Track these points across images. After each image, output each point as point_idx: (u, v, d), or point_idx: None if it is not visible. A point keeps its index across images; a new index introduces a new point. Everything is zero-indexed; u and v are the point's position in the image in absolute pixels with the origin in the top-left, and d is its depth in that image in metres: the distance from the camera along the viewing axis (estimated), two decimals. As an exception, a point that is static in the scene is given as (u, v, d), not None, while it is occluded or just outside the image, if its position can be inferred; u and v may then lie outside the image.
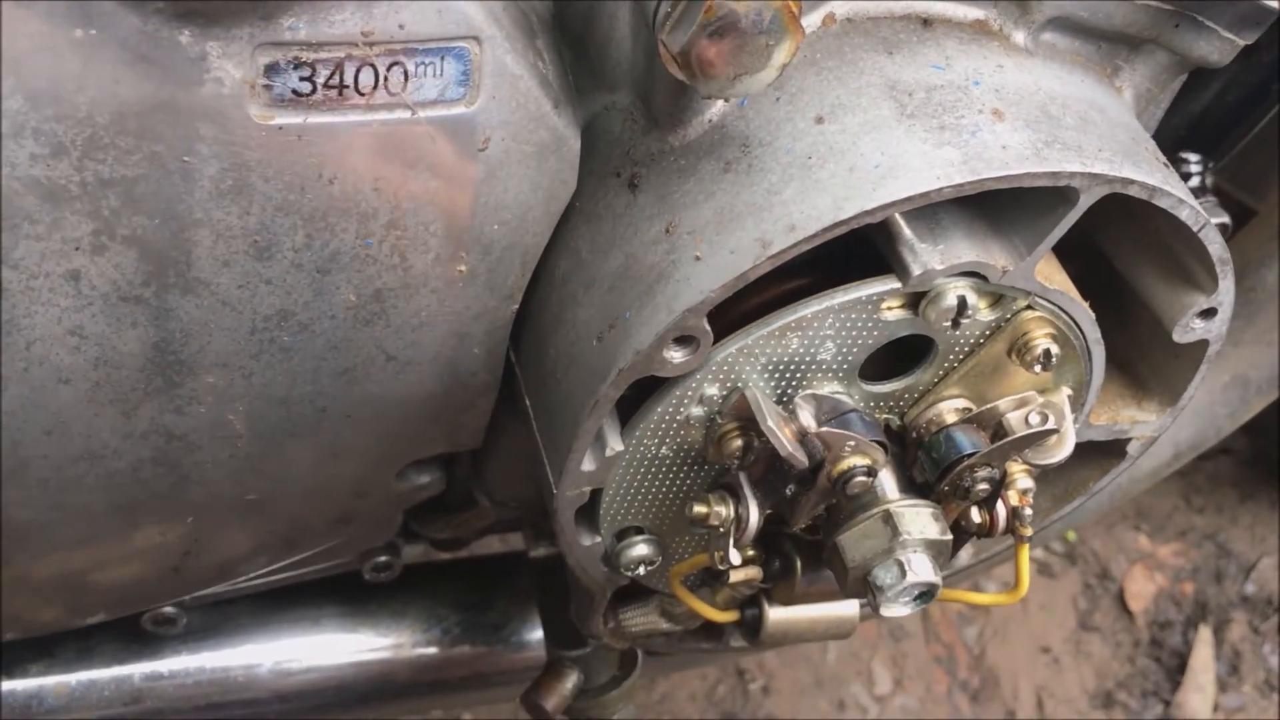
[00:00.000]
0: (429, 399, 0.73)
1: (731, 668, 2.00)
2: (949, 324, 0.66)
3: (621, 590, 0.84)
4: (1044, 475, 0.87)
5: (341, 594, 1.06)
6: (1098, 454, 0.84)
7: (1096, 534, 2.29)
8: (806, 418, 0.66)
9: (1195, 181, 1.03)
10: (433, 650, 1.07)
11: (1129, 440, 0.81)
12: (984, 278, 0.65)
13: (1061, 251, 0.82)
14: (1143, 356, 0.81)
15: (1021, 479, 0.77)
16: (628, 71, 0.67)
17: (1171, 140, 1.02)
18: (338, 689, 1.05)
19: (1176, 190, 0.65)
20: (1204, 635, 2.12)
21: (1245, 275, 1.10)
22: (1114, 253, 0.78)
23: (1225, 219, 1.01)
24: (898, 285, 0.64)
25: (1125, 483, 1.17)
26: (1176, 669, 2.09)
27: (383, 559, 0.97)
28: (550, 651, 0.96)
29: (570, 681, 0.94)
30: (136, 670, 0.99)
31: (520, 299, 0.70)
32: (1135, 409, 0.80)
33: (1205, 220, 0.67)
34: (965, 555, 0.87)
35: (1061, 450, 0.71)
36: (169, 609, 0.94)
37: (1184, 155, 1.04)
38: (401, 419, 0.73)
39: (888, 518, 0.69)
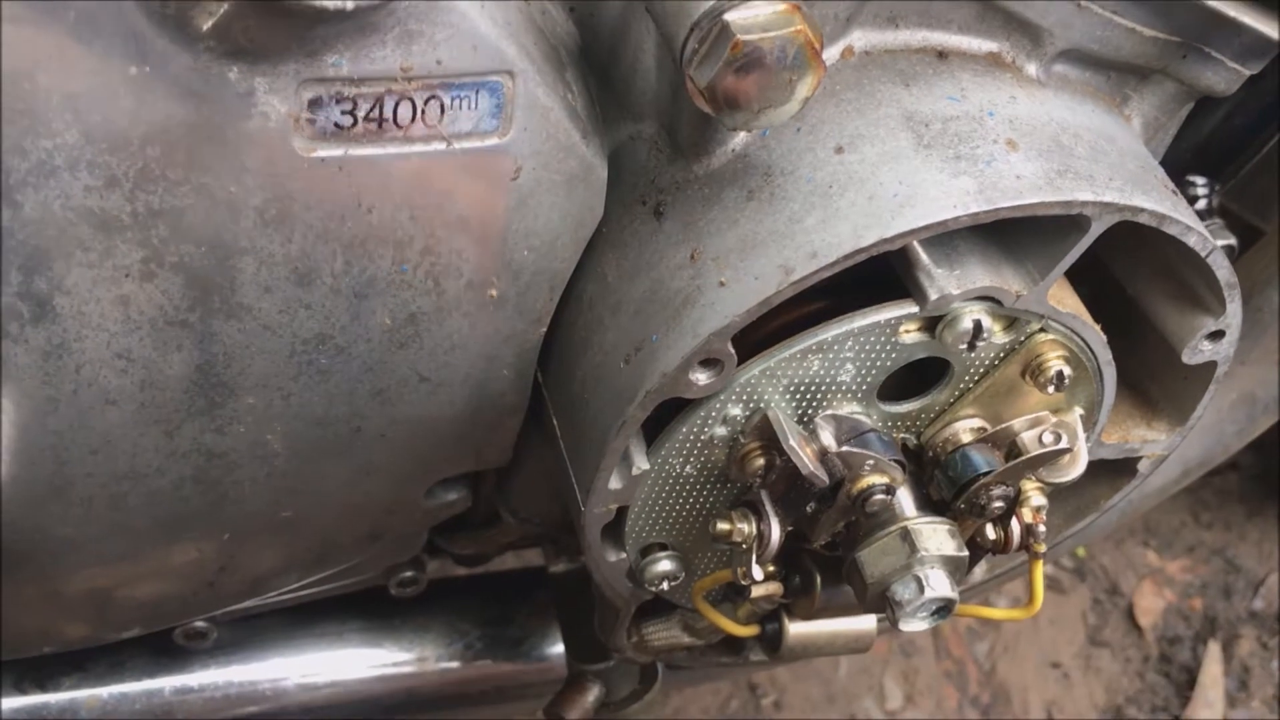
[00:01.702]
0: (459, 419, 0.75)
1: (743, 682, 2.01)
2: (965, 347, 0.68)
3: (644, 605, 0.86)
4: (1056, 493, 0.89)
5: (365, 609, 1.09)
6: (1109, 472, 0.86)
7: (1106, 550, 2.30)
8: (827, 438, 0.68)
9: (1202, 204, 1.05)
10: (455, 664, 1.09)
11: (1139, 459, 0.83)
12: (999, 302, 0.67)
13: (1073, 275, 0.84)
14: (1153, 377, 0.83)
15: (1035, 496, 0.79)
16: (653, 102, 0.69)
17: (1179, 164, 1.04)
18: (361, 703, 1.07)
19: (1184, 217, 0.67)
20: (1213, 651, 2.13)
21: (1251, 296, 1.12)
22: (1124, 277, 0.80)
23: (1232, 241, 1.04)
24: (915, 309, 0.66)
25: (1135, 499, 1.19)
26: (1186, 684, 2.10)
27: (408, 574, 0.99)
28: (571, 665, 0.98)
29: (592, 694, 0.96)
30: (167, 684, 1.01)
31: (548, 323, 0.72)
32: (1145, 428, 0.82)
33: (1213, 245, 0.69)
34: (979, 572, 0.89)
35: (1074, 469, 0.73)
36: (200, 623, 0.96)
37: (1191, 178, 1.06)
38: (432, 438, 0.75)
39: (906, 534, 0.70)
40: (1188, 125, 1.06)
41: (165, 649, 1.00)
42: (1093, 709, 2.08)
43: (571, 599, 1.04)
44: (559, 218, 0.68)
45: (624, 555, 0.76)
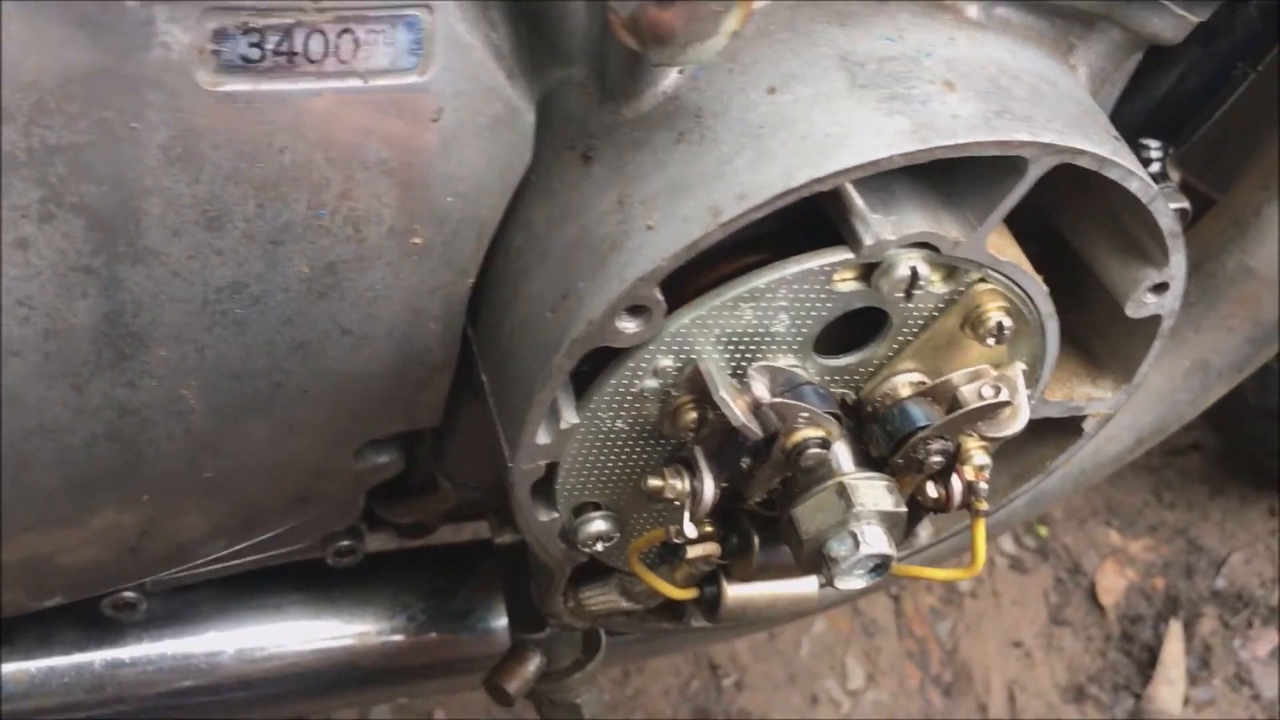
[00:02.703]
0: (385, 375, 0.72)
1: (705, 663, 2.00)
2: (901, 295, 0.66)
3: (582, 570, 0.84)
4: (1003, 454, 0.87)
5: (306, 581, 1.06)
6: (1055, 432, 0.84)
7: (1068, 530, 2.30)
8: (760, 390, 0.66)
9: (1156, 167, 1.04)
10: (397, 637, 1.07)
11: (1085, 418, 0.82)
12: (936, 249, 0.66)
13: (1019, 232, 0.83)
14: (1099, 334, 0.82)
15: (978, 455, 0.77)
16: (583, 44, 0.67)
17: (1133, 126, 1.03)
18: (301, 676, 1.05)
19: (1126, 162, 0.65)
20: (1174, 630, 2.14)
21: (1205, 261, 1.11)
22: (1069, 230, 0.78)
23: (1185, 204, 1.02)
24: (850, 256, 0.64)
25: (1089, 469, 1.18)
26: (1147, 663, 2.10)
27: (345, 544, 0.97)
28: (513, 635, 0.96)
29: (533, 664, 0.93)
30: (97, 657, 0.98)
31: (476, 273, 0.70)
32: (1091, 386, 0.81)
33: (1155, 192, 0.67)
34: (925, 534, 0.88)
35: (1015, 423, 0.71)
36: (129, 594, 0.93)
37: (1145, 141, 1.04)
38: (358, 395, 0.73)
39: (842, 490, 0.69)
40: (1141, 87, 1.04)
41: (96, 621, 0.97)
42: (1054, 687, 2.08)
43: (517, 571, 1.02)
44: (484, 162, 0.65)
45: (556, 515, 0.74)
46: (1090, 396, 0.80)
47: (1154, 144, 1.04)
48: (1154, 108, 1.05)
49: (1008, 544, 2.27)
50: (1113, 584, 2.24)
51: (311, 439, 0.75)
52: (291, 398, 0.71)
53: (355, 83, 0.60)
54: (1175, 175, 1.07)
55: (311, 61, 0.58)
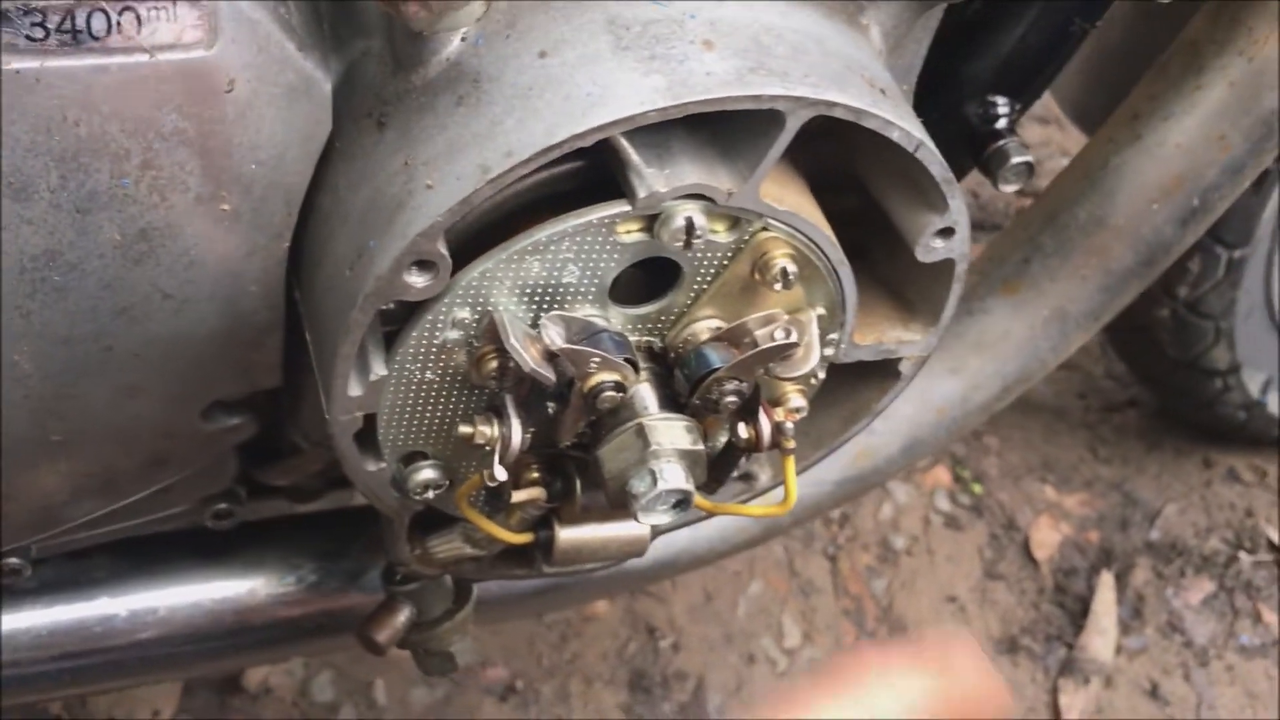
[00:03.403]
0: (214, 337, 0.76)
1: (642, 625, 2.05)
2: (681, 244, 0.70)
3: (429, 519, 0.88)
4: (832, 399, 0.92)
5: (199, 546, 1.10)
6: (876, 375, 0.88)
7: (1003, 486, 2.35)
8: (553, 337, 0.71)
9: (1004, 122, 1.08)
10: (288, 597, 1.11)
11: (900, 360, 0.86)
12: (712, 200, 0.70)
13: (838, 186, 0.87)
14: (909, 281, 0.86)
15: (794, 398, 0.81)
16: (378, 17, 0.71)
17: (981, 85, 1.07)
18: (194, 637, 1.09)
19: (886, 113, 0.69)
20: (1106, 580, 2.18)
21: (1059, 213, 1.15)
22: (870, 183, 0.82)
23: (1028, 158, 1.06)
24: (627, 208, 0.68)
25: (959, 417, 1.22)
26: (1080, 614, 2.15)
27: (222, 506, 1.01)
28: (385, 588, 1.00)
29: (403, 615, 0.98)
30: (-11, 622, 1.02)
31: (290, 237, 0.74)
32: (902, 330, 0.85)
33: (918, 141, 0.71)
34: (765, 477, 0.92)
35: (806, 364, 0.75)
36: (13, 560, 0.97)
37: (992, 99, 1.09)
38: (190, 357, 0.77)
39: (640, 430, 0.73)
40: (987, 46, 1.08)
41: (-13, 588, 1.01)
42: (988, 640, 2.12)
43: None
44: (284, 130, 0.69)
45: (384, 465, 0.78)
46: (901, 340, 0.84)
47: (1001, 100, 1.08)
48: (1000, 65, 1.08)
49: (943, 502, 2.32)
50: (1047, 538, 2.28)
51: (152, 400, 0.79)
52: (124, 361, 0.75)
53: (141, 58, 0.64)
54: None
55: (96, 39, 0.62)
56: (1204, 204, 1.09)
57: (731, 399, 0.74)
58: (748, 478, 0.91)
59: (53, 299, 0.70)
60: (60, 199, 0.66)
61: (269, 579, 1.11)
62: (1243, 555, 2.25)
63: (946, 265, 0.80)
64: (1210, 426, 2.22)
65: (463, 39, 0.68)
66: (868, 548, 2.24)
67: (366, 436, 0.77)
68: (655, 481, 0.72)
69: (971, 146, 1.04)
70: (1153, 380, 2.21)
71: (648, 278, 0.76)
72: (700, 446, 0.74)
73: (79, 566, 1.06)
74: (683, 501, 0.74)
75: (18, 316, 0.71)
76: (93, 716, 1.68)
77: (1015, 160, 1.05)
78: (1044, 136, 2.84)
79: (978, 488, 2.35)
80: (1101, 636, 2.14)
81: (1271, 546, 2.27)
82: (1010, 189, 1.05)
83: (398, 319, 0.73)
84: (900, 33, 0.82)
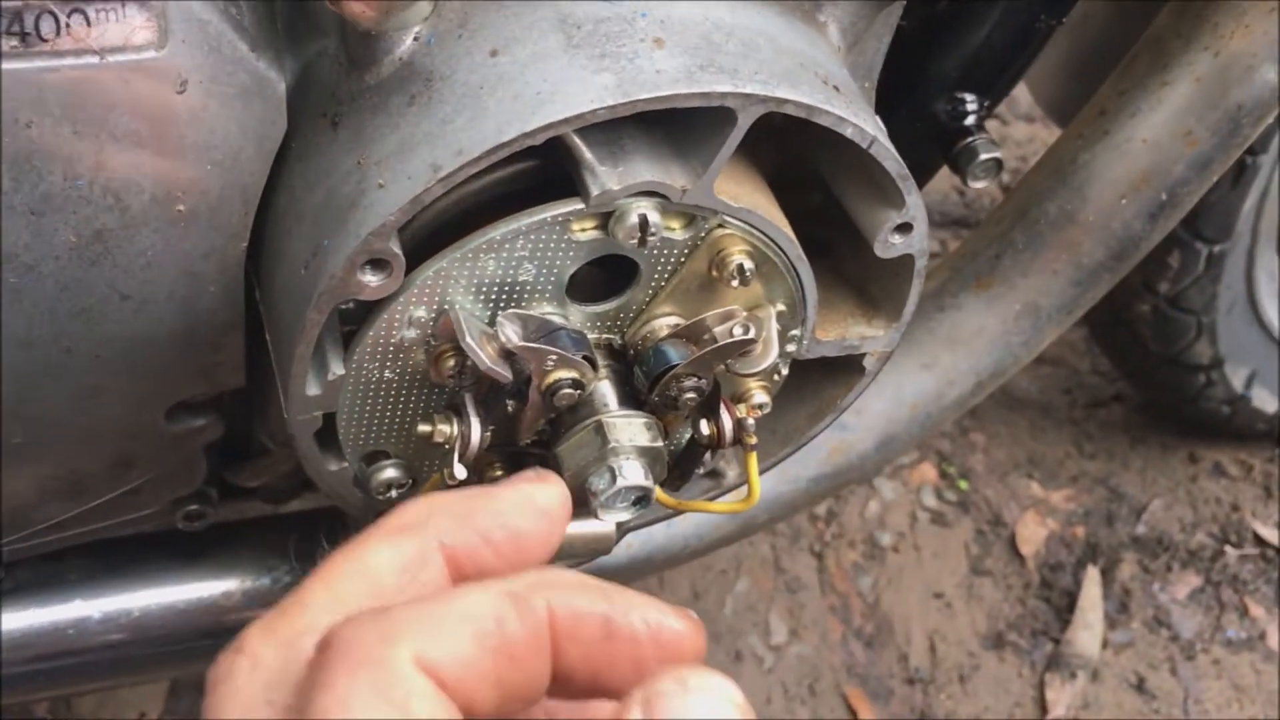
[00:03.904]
0: (174, 338, 0.77)
1: (628, 625, 2.04)
2: (636, 241, 0.70)
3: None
4: (798, 396, 0.92)
5: (172, 547, 1.10)
6: (841, 372, 0.88)
7: (989, 483, 2.35)
8: (510, 335, 0.71)
9: (972, 119, 1.08)
10: (263, 598, 1.12)
11: (864, 356, 0.86)
12: (666, 197, 0.70)
13: (803, 182, 0.87)
14: (872, 277, 0.86)
15: (758, 394, 0.82)
16: (333, 17, 0.71)
17: (948, 82, 1.07)
18: (167, 639, 1.09)
19: (838, 110, 0.69)
20: (1092, 575, 2.19)
21: (1030, 208, 1.15)
22: (831, 181, 0.83)
23: (997, 154, 1.07)
24: (581, 206, 0.69)
25: (934, 412, 1.22)
26: (1066, 609, 2.15)
27: (193, 508, 1.01)
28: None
29: (373, 615, 0.98)
30: (-40, 625, 1.02)
31: (248, 236, 0.74)
32: (865, 325, 0.85)
33: (871, 138, 0.71)
34: (733, 473, 0.92)
35: (764, 360, 0.75)
36: (-17, 562, 0.98)
37: (961, 95, 1.09)
38: (151, 358, 0.77)
39: (599, 428, 0.73)
40: (954, 43, 1.08)
41: (-41, 592, 1.01)
42: (975, 635, 2.13)
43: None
44: (238, 131, 0.69)
45: (345, 465, 0.78)
46: (864, 335, 0.85)
47: (969, 97, 1.08)
48: (968, 63, 1.09)
49: (929, 498, 2.33)
50: (1033, 534, 2.29)
51: (114, 402, 0.80)
52: (84, 363, 0.76)
53: (92, 59, 0.64)
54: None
55: (44, 40, 0.62)
56: (1172, 199, 1.09)
57: (691, 395, 0.74)
58: (715, 475, 0.91)
59: (10, 300, 0.71)
60: (14, 201, 0.67)
61: (243, 581, 1.11)
62: (1229, 549, 2.25)
63: (907, 261, 0.80)
64: (1195, 421, 2.23)
65: (415, 38, 0.69)
66: (854, 544, 2.24)
67: (327, 436, 0.77)
68: (614, 478, 0.72)
69: (941, 143, 1.04)
70: (1137, 375, 2.22)
71: (606, 275, 0.76)
72: (659, 443, 0.74)
73: (52, 569, 1.06)
74: (643, 498, 0.74)
75: (-26, 319, 0.71)
76: (78, 718, 1.69)
77: (984, 156, 1.05)
78: (1029, 134, 2.85)
79: (964, 484, 2.36)
80: (1088, 631, 2.14)
81: (1258, 540, 2.27)
82: (979, 185, 1.06)
83: (356, 318, 0.73)
84: (859, 29, 0.82)
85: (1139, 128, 1.07)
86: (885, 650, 2.11)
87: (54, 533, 0.94)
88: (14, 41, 0.62)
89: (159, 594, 1.09)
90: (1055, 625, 2.14)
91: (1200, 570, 2.22)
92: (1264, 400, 2.13)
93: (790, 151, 0.84)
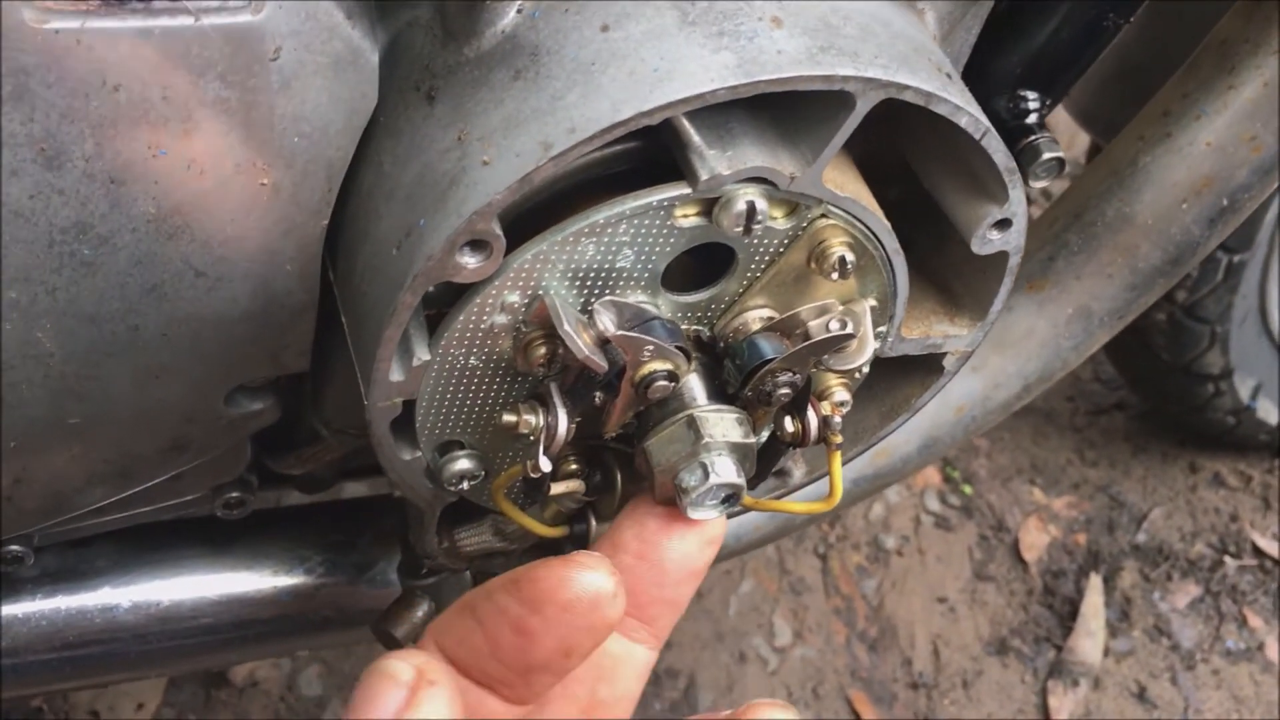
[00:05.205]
0: (246, 318, 0.73)
1: (633, 624, 2.02)
2: (740, 229, 0.67)
3: (458, 512, 0.85)
4: (872, 394, 0.90)
5: (203, 535, 1.07)
6: (919, 370, 0.86)
7: (993, 488, 2.35)
8: (606, 323, 0.68)
9: (1034, 118, 1.06)
10: (295, 590, 1.08)
11: (944, 355, 0.84)
12: (773, 184, 0.67)
13: (883, 175, 0.85)
14: (955, 273, 0.84)
15: (839, 391, 0.79)
16: (429, -13, 0.68)
17: (1011, 79, 1.05)
18: (197, 629, 1.06)
19: (954, 98, 0.67)
20: (1094, 583, 2.19)
21: (1085, 211, 1.14)
22: (922, 171, 0.80)
23: (1059, 154, 1.05)
24: (687, 191, 0.66)
25: (979, 415, 1.21)
26: (1068, 616, 2.15)
27: (234, 495, 0.98)
28: (403, 582, 0.97)
29: (421, 610, 0.95)
30: (-11, 611, 0.99)
31: (329, 214, 0.71)
32: (948, 324, 0.83)
33: (985, 128, 0.69)
34: (799, 473, 0.90)
35: (860, 356, 0.73)
36: (15, 547, 0.94)
37: (1023, 93, 1.07)
38: (220, 339, 0.74)
39: (691, 422, 0.70)
40: (1019, 41, 1.06)
41: (-13, 577, 0.98)
42: (978, 641, 2.12)
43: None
44: (329, 102, 0.66)
45: (419, 454, 0.75)
46: (948, 334, 0.83)
47: (1031, 95, 1.06)
48: (1031, 60, 1.07)
49: (933, 503, 2.32)
50: (1035, 540, 2.28)
51: (176, 383, 0.76)
52: (151, 341, 0.72)
53: (186, 20, 0.60)
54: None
55: (140, -1, 0.59)
56: (1233, 204, 1.08)
57: (785, 391, 0.72)
58: (781, 474, 0.89)
59: (81, 274, 0.67)
60: (94, 169, 0.63)
61: (276, 571, 1.08)
62: (1228, 560, 2.26)
63: (999, 258, 0.78)
64: (1199, 431, 2.23)
65: (518, 11, 0.66)
66: (858, 547, 2.23)
67: (402, 424, 0.74)
68: (707, 475, 0.69)
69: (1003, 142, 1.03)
70: (1144, 384, 2.21)
71: (696, 264, 0.73)
72: (752, 439, 0.72)
73: (80, 555, 1.03)
74: (733, 496, 0.71)
75: (43, 292, 0.67)
76: (76, 711, 1.64)
77: (1047, 156, 1.03)
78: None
79: (968, 489, 2.35)
80: (1090, 639, 2.14)
81: (1256, 551, 2.28)
82: (1040, 185, 1.04)
83: (437, 302, 0.70)
84: (954, 19, 0.80)
85: (1203, 131, 1.06)
86: (889, 654, 2.09)
87: (91, 518, 0.90)
88: (107, -2, 0.58)
89: (189, 583, 1.05)
90: (1058, 632, 2.14)
91: (1200, 580, 2.23)
92: (1267, 411, 2.14)
93: (875, 142, 0.82)
